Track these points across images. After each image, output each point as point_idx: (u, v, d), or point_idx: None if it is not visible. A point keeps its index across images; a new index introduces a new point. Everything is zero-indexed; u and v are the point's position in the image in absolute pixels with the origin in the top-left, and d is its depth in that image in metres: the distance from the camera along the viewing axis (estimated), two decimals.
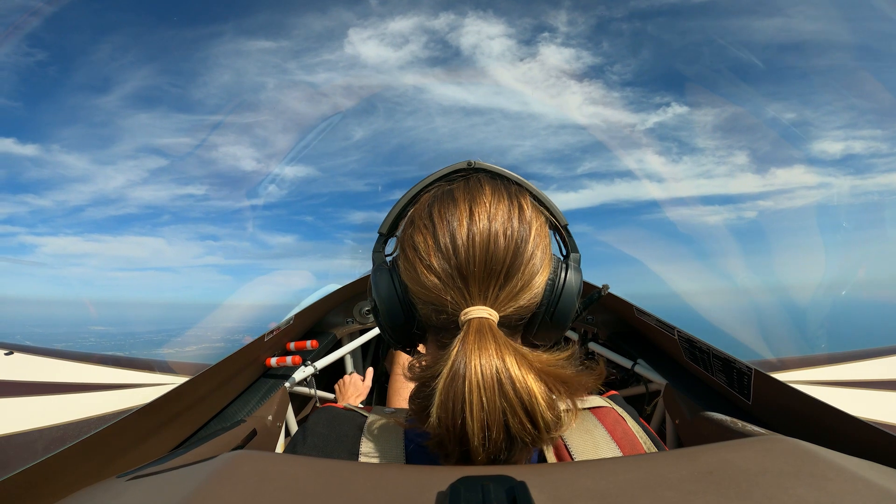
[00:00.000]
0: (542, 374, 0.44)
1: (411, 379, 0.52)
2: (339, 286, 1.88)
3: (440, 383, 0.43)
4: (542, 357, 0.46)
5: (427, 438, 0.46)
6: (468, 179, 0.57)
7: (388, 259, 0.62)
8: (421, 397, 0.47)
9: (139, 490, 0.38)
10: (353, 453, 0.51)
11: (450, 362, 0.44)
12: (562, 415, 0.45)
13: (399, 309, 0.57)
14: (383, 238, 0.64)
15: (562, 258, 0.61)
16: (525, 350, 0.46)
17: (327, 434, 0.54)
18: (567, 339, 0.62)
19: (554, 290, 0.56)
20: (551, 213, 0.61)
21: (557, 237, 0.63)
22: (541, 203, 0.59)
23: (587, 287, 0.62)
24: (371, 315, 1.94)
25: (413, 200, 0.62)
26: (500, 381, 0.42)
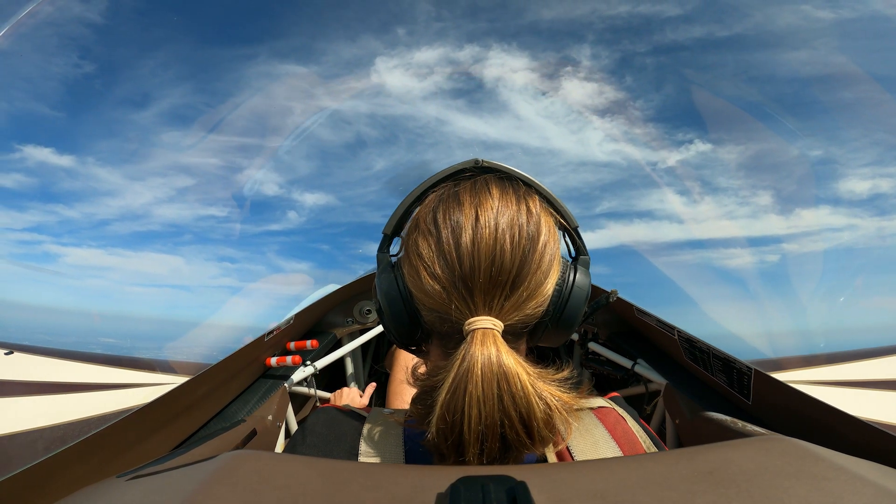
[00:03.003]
0: (542, 391, 0.45)
1: (413, 385, 0.52)
2: (339, 286, 1.88)
3: (441, 395, 0.43)
4: (543, 374, 0.47)
5: (425, 441, 0.46)
6: (475, 181, 0.55)
7: (393, 260, 0.61)
8: (423, 403, 0.47)
9: (139, 490, 0.38)
10: (353, 453, 0.51)
11: (451, 375, 0.44)
12: (556, 428, 0.45)
13: (403, 313, 0.55)
14: (388, 239, 0.62)
15: (570, 261, 0.60)
16: (527, 365, 0.46)
17: (326, 434, 0.54)
18: (570, 347, 0.61)
19: (561, 296, 0.55)
20: (561, 215, 0.59)
21: (567, 239, 0.61)
22: (550, 204, 0.58)
23: (595, 290, 0.60)
24: (371, 315, 1.94)
25: (418, 200, 0.60)
26: (500, 395, 0.42)
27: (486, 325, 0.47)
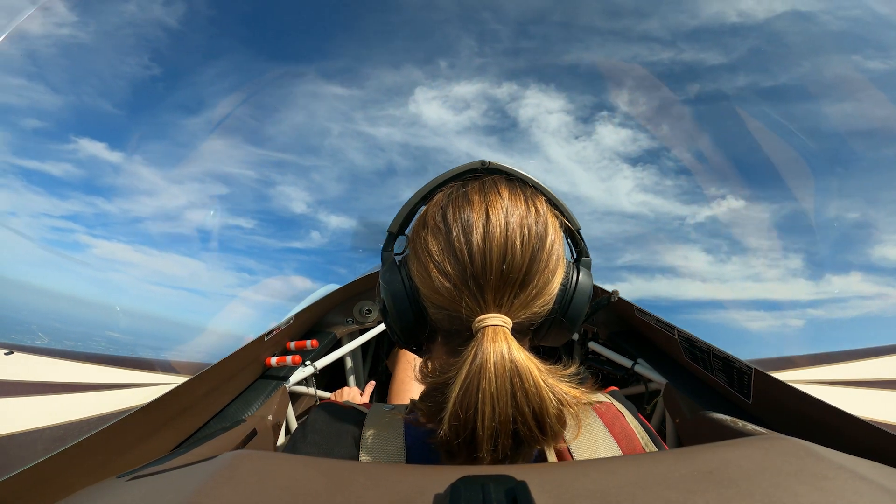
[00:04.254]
0: (554, 387, 0.45)
1: (422, 382, 0.52)
2: (339, 286, 1.88)
3: (453, 392, 0.43)
4: (553, 370, 0.47)
5: (429, 435, 0.46)
6: (484, 181, 0.56)
7: (398, 258, 0.61)
8: (433, 401, 0.47)
9: (139, 490, 0.38)
10: (354, 449, 0.51)
11: (464, 371, 0.44)
12: (566, 423, 0.46)
13: (409, 310, 0.55)
14: (393, 237, 0.63)
15: (573, 262, 0.60)
16: (538, 362, 0.46)
17: (327, 431, 0.54)
18: (570, 346, 0.62)
19: (566, 295, 0.55)
20: (565, 217, 0.60)
21: (569, 241, 0.62)
22: (555, 206, 0.59)
23: (597, 291, 0.61)
24: (371, 315, 1.94)
25: (425, 199, 0.60)
26: (513, 392, 0.43)
27: (497, 322, 0.47)
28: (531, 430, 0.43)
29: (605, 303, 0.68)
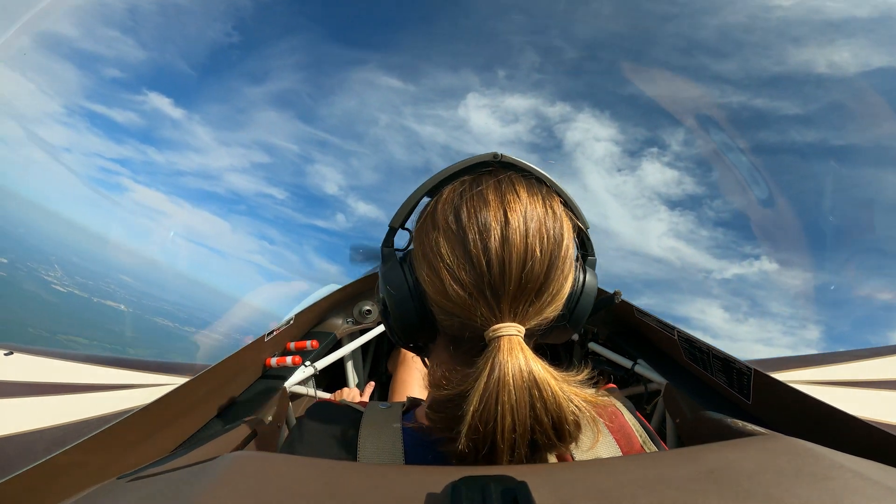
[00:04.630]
0: (570, 395, 0.44)
1: (432, 392, 0.50)
2: (339, 286, 1.88)
3: (471, 406, 0.42)
4: (567, 377, 0.46)
5: (438, 442, 0.45)
6: (499, 178, 0.53)
7: (400, 255, 0.58)
8: (445, 412, 0.46)
9: (140, 492, 0.38)
10: (351, 449, 0.50)
11: (482, 384, 0.43)
12: (581, 428, 0.46)
13: (413, 312, 0.53)
14: (394, 231, 0.60)
15: (579, 262, 0.59)
16: (553, 370, 0.45)
17: (323, 430, 0.53)
18: (570, 346, 0.62)
19: (573, 297, 0.54)
20: (578, 218, 0.58)
21: (577, 238, 0.60)
22: (566, 205, 0.57)
23: (599, 292, 0.61)
24: (371, 315, 1.94)
25: (431, 192, 0.57)
26: (532, 403, 0.42)
27: (511, 331, 0.46)
28: (550, 438, 0.43)
29: (608, 303, 0.67)
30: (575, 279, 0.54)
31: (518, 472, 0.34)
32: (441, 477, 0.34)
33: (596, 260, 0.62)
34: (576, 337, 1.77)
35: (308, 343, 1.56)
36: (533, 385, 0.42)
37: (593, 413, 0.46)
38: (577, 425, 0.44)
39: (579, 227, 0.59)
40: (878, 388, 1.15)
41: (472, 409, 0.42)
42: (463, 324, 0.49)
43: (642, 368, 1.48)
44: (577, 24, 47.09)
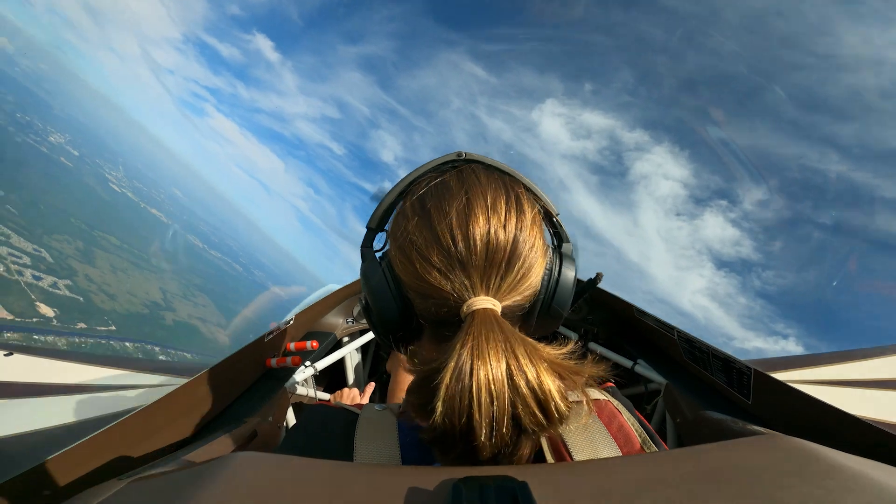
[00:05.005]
0: (554, 365, 0.43)
1: (411, 372, 0.49)
2: (339, 286, 1.88)
3: (445, 378, 0.41)
4: (549, 349, 0.45)
5: (423, 432, 0.44)
6: (461, 170, 0.56)
7: (379, 254, 0.60)
8: (421, 392, 0.44)
9: (141, 492, 0.38)
10: (348, 450, 0.50)
11: (455, 356, 0.41)
12: (572, 405, 0.44)
13: (393, 305, 0.55)
14: (373, 233, 0.62)
15: (555, 248, 0.61)
16: (533, 341, 0.44)
17: (320, 432, 0.53)
18: (564, 337, 0.62)
19: (550, 281, 0.56)
20: (544, 203, 0.60)
21: (550, 228, 0.63)
22: (533, 194, 0.59)
23: (579, 282, 0.61)
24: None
25: (403, 194, 0.60)
26: (510, 373, 0.40)
27: (487, 304, 0.47)
28: (533, 414, 0.41)
29: (590, 286, 0.68)
30: (550, 263, 0.56)
31: (518, 472, 0.34)
32: (441, 477, 0.34)
33: (572, 246, 0.63)
34: (576, 337, 1.78)
35: (308, 343, 1.56)
36: (510, 353, 0.41)
37: (580, 385, 0.44)
38: (563, 397, 0.42)
39: (550, 215, 0.61)
40: (878, 387, 1.15)
41: (445, 381, 0.40)
42: (438, 304, 0.50)
43: (642, 368, 1.48)
44: (690, 53, 42.08)
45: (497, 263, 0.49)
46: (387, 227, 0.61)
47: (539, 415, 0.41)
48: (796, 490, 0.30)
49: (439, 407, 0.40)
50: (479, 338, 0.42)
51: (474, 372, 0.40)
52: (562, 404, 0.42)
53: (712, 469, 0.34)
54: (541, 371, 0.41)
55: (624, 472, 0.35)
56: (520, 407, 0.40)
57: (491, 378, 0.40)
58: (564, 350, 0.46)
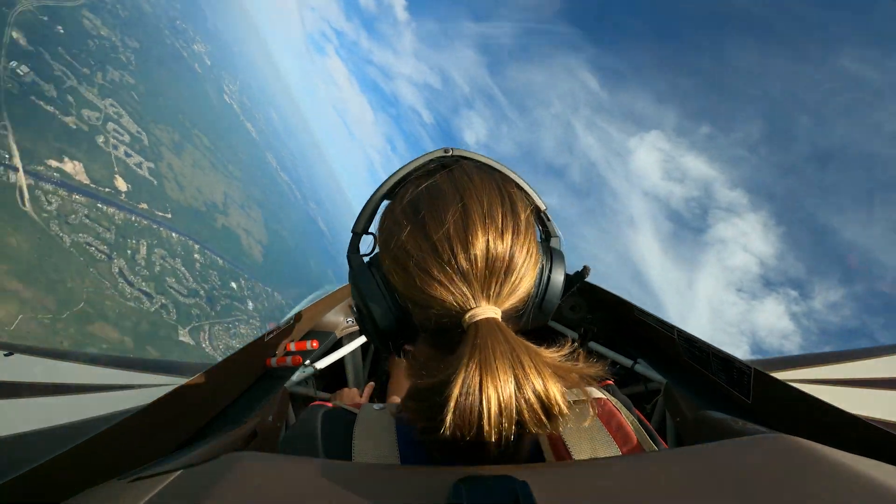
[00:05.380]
0: (556, 368, 0.44)
1: (416, 380, 0.49)
2: (339, 286, 1.88)
3: (453, 392, 0.41)
4: (549, 352, 0.46)
5: (423, 433, 0.45)
6: (451, 170, 0.55)
7: (367, 259, 0.59)
8: (426, 402, 0.45)
9: (141, 492, 0.38)
10: (346, 450, 0.50)
11: (462, 370, 0.42)
12: (573, 405, 0.45)
13: (390, 314, 0.54)
14: (358, 237, 0.61)
15: (543, 241, 0.61)
16: (535, 348, 0.45)
17: (318, 432, 0.53)
18: (562, 336, 0.62)
19: (542, 280, 0.56)
20: (534, 199, 0.60)
21: (539, 224, 0.62)
22: (523, 191, 0.59)
23: (569, 273, 0.62)
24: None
25: (389, 195, 0.58)
26: (518, 384, 0.41)
27: (489, 314, 0.47)
28: (539, 418, 0.42)
29: (580, 279, 0.68)
30: (541, 257, 0.55)
31: (519, 472, 0.34)
32: (442, 476, 0.34)
33: (560, 239, 0.63)
34: (576, 336, 1.78)
35: (308, 343, 1.56)
36: (517, 363, 0.42)
37: (581, 385, 0.45)
38: (565, 399, 0.43)
39: (539, 210, 0.60)
40: (878, 387, 1.15)
41: (454, 394, 0.41)
42: (439, 315, 0.49)
43: (642, 368, 1.48)
44: (841, 124, 35.84)
45: (497, 273, 0.48)
46: (373, 231, 0.60)
47: (543, 417, 0.42)
48: (797, 489, 0.30)
49: (448, 420, 0.41)
50: (486, 350, 0.43)
51: (483, 387, 0.41)
52: (564, 407, 0.43)
53: (713, 468, 0.34)
54: (546, 377, 0.42)
55: (624, 472, 0.35)
56: (526, 413, 0.41)
57: (500, 391, 0.41)
58: (563, 352, 0.47)
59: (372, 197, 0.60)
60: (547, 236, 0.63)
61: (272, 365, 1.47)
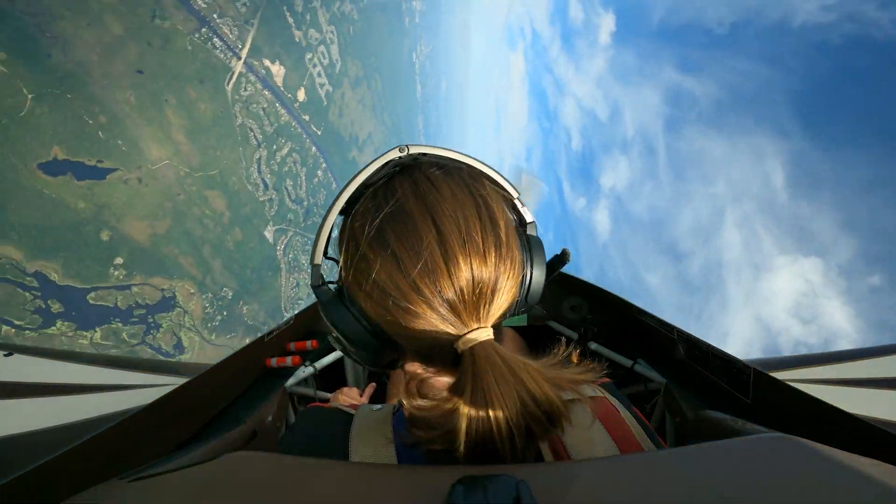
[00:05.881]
0: (554, 380, 0.44)
1: (414, 409, 0.48)
2: None
3: (461, 424, 0.41)
4: (546, 363, 0.47)
5: (428, 455, 0.45)
6: (415, 180, 0.49)
7: (335, 288, 0.54)
8: (432, 428, 0.44)
9: (142, 492, 0.38)
10: (343, 451, 0.50)
11: (468, 398, 0.42)
12: (571, 406, 0.45)
13: (373, 344, 0.51)
14: (318, 268, 0.56)
15: (519, 230, 0.57)
16: (532, 363, 0.45)
17: (316, 433, 0.54)
18: (559, 335, 0.61)
19: (525, 277, 0.54)
20: (505, 191, 0.56)
21: (511, 210, 0.57)
22: (490, 180, 0.55)
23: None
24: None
25: (346, 210, 0.53)
26: (522, 402, 0.42)
27: (482, 336, 0.45)
28: (545, 427, 0.43)
29: (561, 264, 0.67)
30: (522, 252, 0.52)
31: (518, 471, 0.34)
32: (441, 476, 0.34)
33: (535, 223, 0.59)
34: (575, 336, 1.78)
35: (308, 343, 1.56)
36: (519, 384, 0.42)
37: (576, 389, 0.46)
38: (566, 405, 0.44)
39: (509, 198, 0.57)
40: (877, 386, 1.15)
41: (464, 424, 0.41)
42: (427, 344, 0.47)
43: (642, 367, 1.48)
44: None
45: (484, 296, 0.46)
46: (334, 255, 0.55)
47: (549, 426, 0.43)
48: (798, 488, 0.30)
49: (462, 448, 0.41)
50: (487, 377, 0.42)
51: (492, 413, 0.41)
52: (567, 414, 0.44)
53: (714, 467, 0.34)
54: (546, 389, 0.43)
55: (623, 471, 0.35)
56: (533, 425, 0.42)
57: (509, 413, 0.41)
58: (556, 359, 0.47)
59: (324, 221, 0.53)
60: (521, 224, 0.59)
61: (272, 365, 1.47)
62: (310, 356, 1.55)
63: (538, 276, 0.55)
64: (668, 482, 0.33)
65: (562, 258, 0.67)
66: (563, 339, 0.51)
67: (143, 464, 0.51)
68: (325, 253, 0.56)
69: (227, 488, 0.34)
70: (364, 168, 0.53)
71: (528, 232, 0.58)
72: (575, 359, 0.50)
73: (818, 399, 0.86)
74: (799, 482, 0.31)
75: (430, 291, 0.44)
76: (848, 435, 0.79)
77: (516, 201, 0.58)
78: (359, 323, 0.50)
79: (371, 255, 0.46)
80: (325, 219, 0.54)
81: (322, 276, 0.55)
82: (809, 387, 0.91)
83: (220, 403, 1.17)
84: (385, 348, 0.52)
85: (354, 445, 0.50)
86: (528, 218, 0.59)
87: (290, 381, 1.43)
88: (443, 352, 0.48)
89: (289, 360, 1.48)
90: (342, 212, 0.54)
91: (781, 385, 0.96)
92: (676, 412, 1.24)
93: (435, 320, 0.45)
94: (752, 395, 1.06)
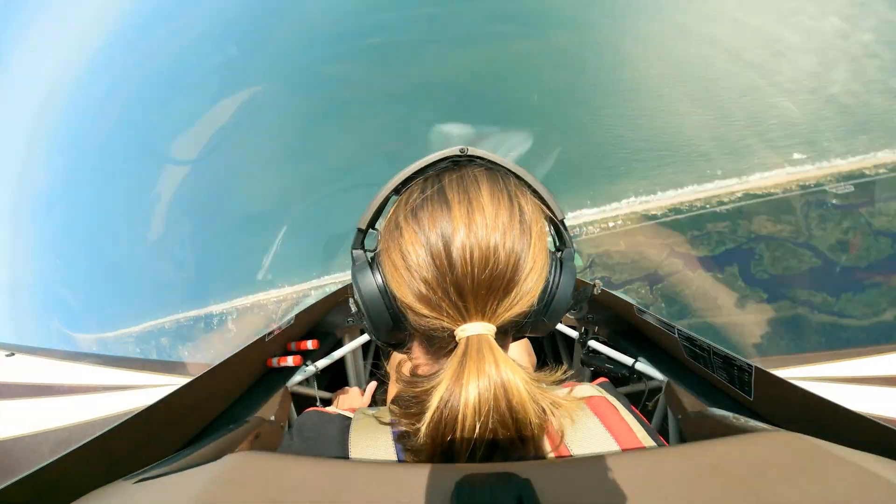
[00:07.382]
0: (539, 397, 0.45)
1: (400, 384, 0.51)
2: (340, 286, 1.88)
3: (432, 404, 0.43)
4: (540, 377, 0.47)
5: (397, 438, 0.47)
6: (462, 174, 0.52)
7: (370, 255, 0.58)
8: (407, 404, 0.47)
9: (147, 493, 0.39)
10: (343, 454, 0.50)
11: (445, 383, 0.43)
12: (549, 431, 0.47)
13: (386, 313, 0.54)
14: (363, 233, 0.59)
15: (555, 253, 0.59)
16: (524, 372, 0.46)
17: (315, 437, 0.54)
18: (571, 345, 0.62)
19: (548, 291, 0.54)
20: (549, 208, 0.58)
21: (552, 230, 0.60)
22: (539, 197, 0.56)
23: (577, 284, 0.61)
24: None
25: (398, 190, 0.57)
26: (497, 405, 0.42)
27: (480, 330, 0.46)
28: (512, 438, 0.43)
29: (586, 295, 0.67)
30: (550, 272, 0.54)
31: (521, 469, 0.34)
32: (444, 475, 0.34)
33: (573, 252, 0.61)
34: (576, 335, 1.78)
35: (309, 343, 1.56)
36: (499, 387, 0.43)
37: (569, 410, 0.47)
38: (542, 428, 0.45)
39: (554, 219, 0.58)
40: (879, 384, 1.16)
41: (433, 407, 0.43)
42: (432, 324, 0.49)
43: (643, 366, 1.48)
44: None
45: (495, 289, 0.47)
46: (378, 227, 0.59)
47: (516, 438, 0.43)
48: (801, 485, 0.30)
49: (423, 429, 0.43)
50: (471, 368, 0.43)
51: (462, 404, 0.42)
52: (538, 430, 0.45)
53: (717, 464, 0.34)
54: (526, 404, 0.43)
55: (626, 468, 0.36)
56: (499, 430, 0.43)
57: (478, 409, 0.42)
58: (556, 377, 0.49)
59: (380, 193, 0.58)
60: (561, 247, 0.61)
61: (273, 365, 1.47)
62: (311, 356, 1.55)
63: (562, 296, 0.55)
64: (671, 479, 0.33)
65: (590, 288, 0.68)
66: (564, 365, 0.52)
67: (147, 464, 0.52)
68: (373, 224, 0.59)
69: (231, 488, 0.34)
70: (423, 158, 0.57)
71: (563, 256, 0.59)
72: (570, 385, 0.52)
73: (819, 396, 0.86)
74: (802, 478, 0.31)
75: (444, 267, 0.47)
76: (850, 432, 0.80)
77: (560, 223, 0.60)
78: (378, 291, 0.53)
79: (403, 226, 0.50)
80: (378, 194, 0.58)
81: (363, 242, 0.60)
82: (810, 384, 0.91)
83: (222, 403, 1.17)
84: (396, 322, 0.54)
85: (354, 448, 0.51)
86: (569, 241, 0.61)
87: (292, 380, 1.43)
88: (443, 337, 0.49)
89: (290, 360, 1.48)
90: (395, 190, 0.58)
91: (783, 382, 0.96)
92: (678, 410, 1.25)
93: (443, 300, 0.47)
94: (753, 392, 1.06)
